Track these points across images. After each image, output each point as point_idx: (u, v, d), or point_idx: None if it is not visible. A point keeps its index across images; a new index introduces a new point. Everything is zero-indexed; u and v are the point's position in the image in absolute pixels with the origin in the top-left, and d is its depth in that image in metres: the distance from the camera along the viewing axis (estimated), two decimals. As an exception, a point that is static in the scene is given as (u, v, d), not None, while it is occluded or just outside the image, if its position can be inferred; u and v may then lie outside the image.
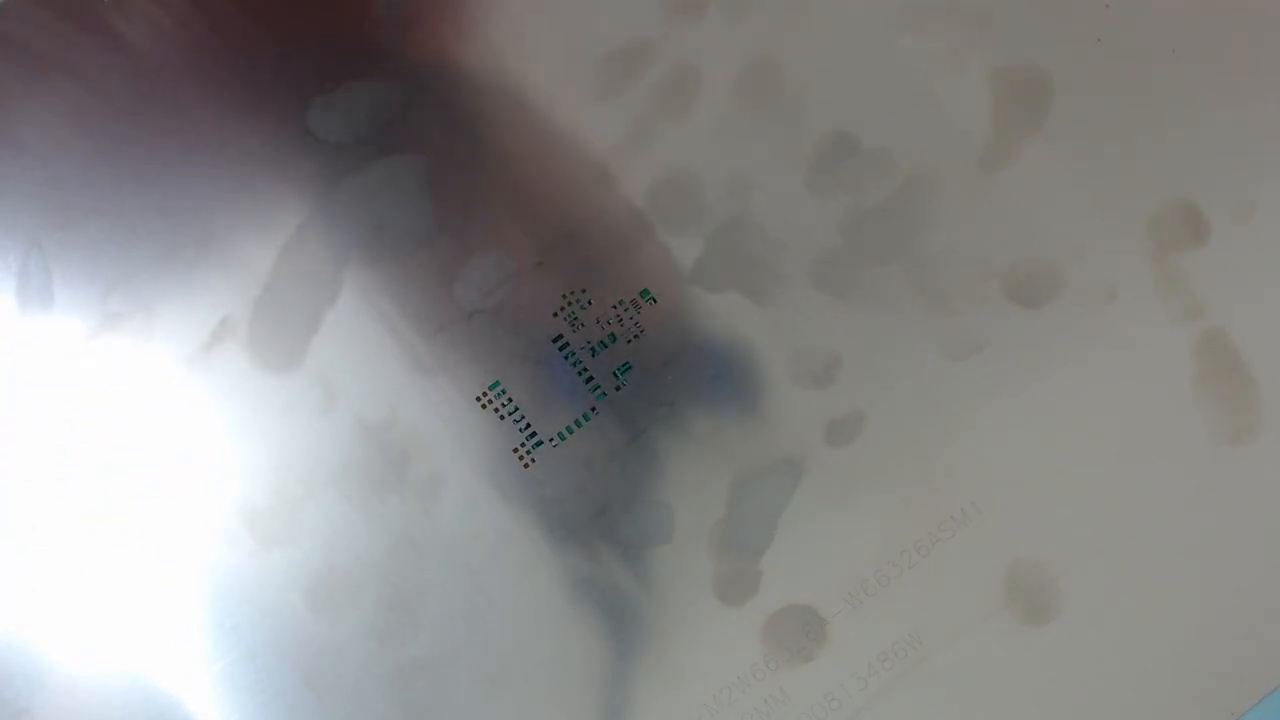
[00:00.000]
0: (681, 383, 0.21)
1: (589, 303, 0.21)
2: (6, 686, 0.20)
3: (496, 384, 0.21)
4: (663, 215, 0.21)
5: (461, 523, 0.21)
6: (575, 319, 0.21)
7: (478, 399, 0.21)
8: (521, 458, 0.21)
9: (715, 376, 0.21)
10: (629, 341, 0.21)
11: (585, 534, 0.21)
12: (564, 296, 0.21)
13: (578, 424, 0.21)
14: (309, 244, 0.21)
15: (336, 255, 0.21)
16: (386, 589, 0.21)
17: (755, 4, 0.22)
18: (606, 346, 0.21)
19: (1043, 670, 0.22)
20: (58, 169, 0.21)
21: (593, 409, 0.21)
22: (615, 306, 0.21)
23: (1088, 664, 0.22)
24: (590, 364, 0.21)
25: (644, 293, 0.21)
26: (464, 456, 0.21)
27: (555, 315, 0.21)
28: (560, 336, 0.21)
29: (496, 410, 0.21)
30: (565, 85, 0.21)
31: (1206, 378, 0.22)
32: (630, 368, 0.21)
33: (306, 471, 0.21)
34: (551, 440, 0.21)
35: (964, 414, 0.22)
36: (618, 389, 0.21)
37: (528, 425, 0.21)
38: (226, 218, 0.21)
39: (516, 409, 0.21)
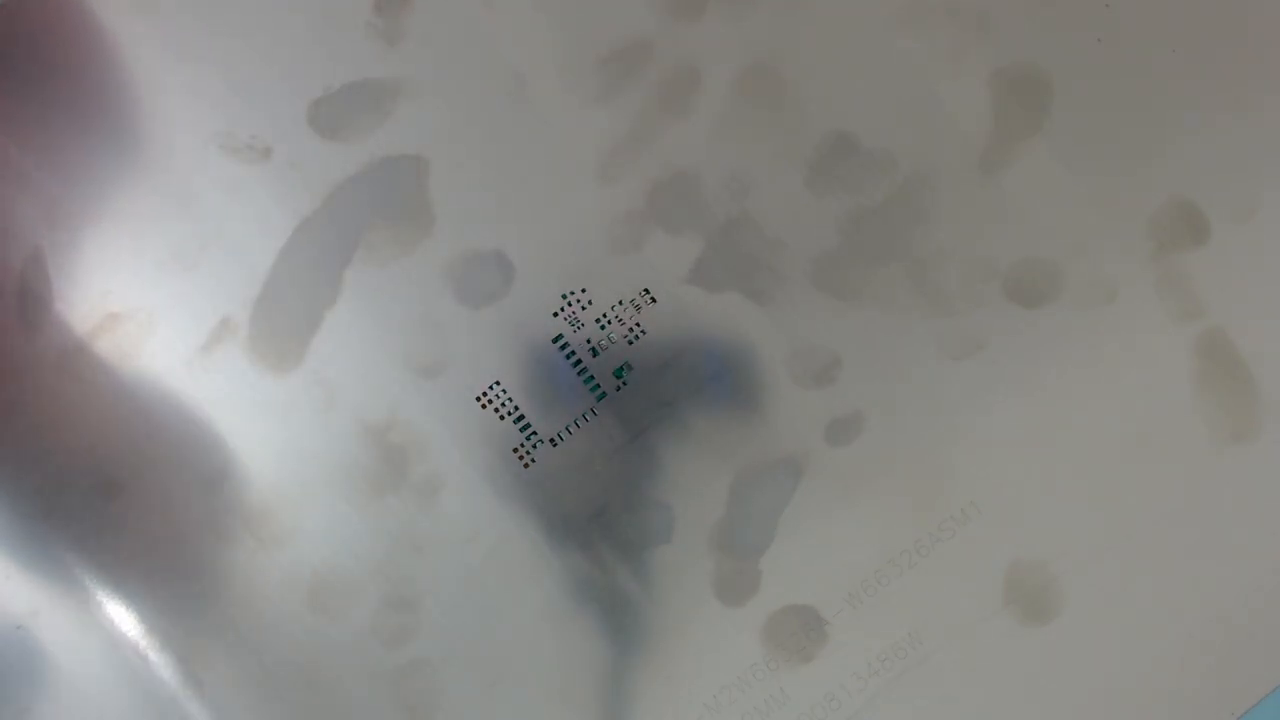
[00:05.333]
0: (681, 383, 0.21)
1: (589, 303, 0.21)
2: (6, 685, 0.20)
3: (496, 384, 0.21)
4: (663, 215, 0.21)
5: (461, 523, 0.21)
6: (575, 319, 0.21)
7: (478, 399, 0.21)
8: (521, 458, 0.21)
9: (715, 376, 0.21)
10: (629, 341, 0.21)
11: (585, 534, 0.21)
12: (564, 296, 0.21)
13: (578, 424, 0.21)
14: (309, 244, 0.21)
15: (336, 255, 0.21)
16: (386, 589, 0.21)
17: (755, 4, 0.22)
18: (606, 347, 0.21)
19: (1043, 670, 0.22)
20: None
21: (593, 409, 0.21)
22: (615, 306, 0.21)
23: (1088, 664, 0.22)
24: (590, 364, 0.21)
25: (644, 292, 0.21)
26: (464, 456, 0.21)
27: (555, 315, 0.21)
28: (560, 336, 0.21)
29: (496, 410, 0.21)
30: (565, 85, 0.21)
31: (1206, 378, 0.22)
32: (630, 368, 0.21)
33: (306, 471, 0.21)
34: (551, 440, 0.21)
35: (964, 414, 0.22)
36: (618, 389, 0.21)
37: (528, 425, 0.21)
38: (226, 218, 0.21)
39: (516, 409, 0.21)
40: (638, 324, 0.21)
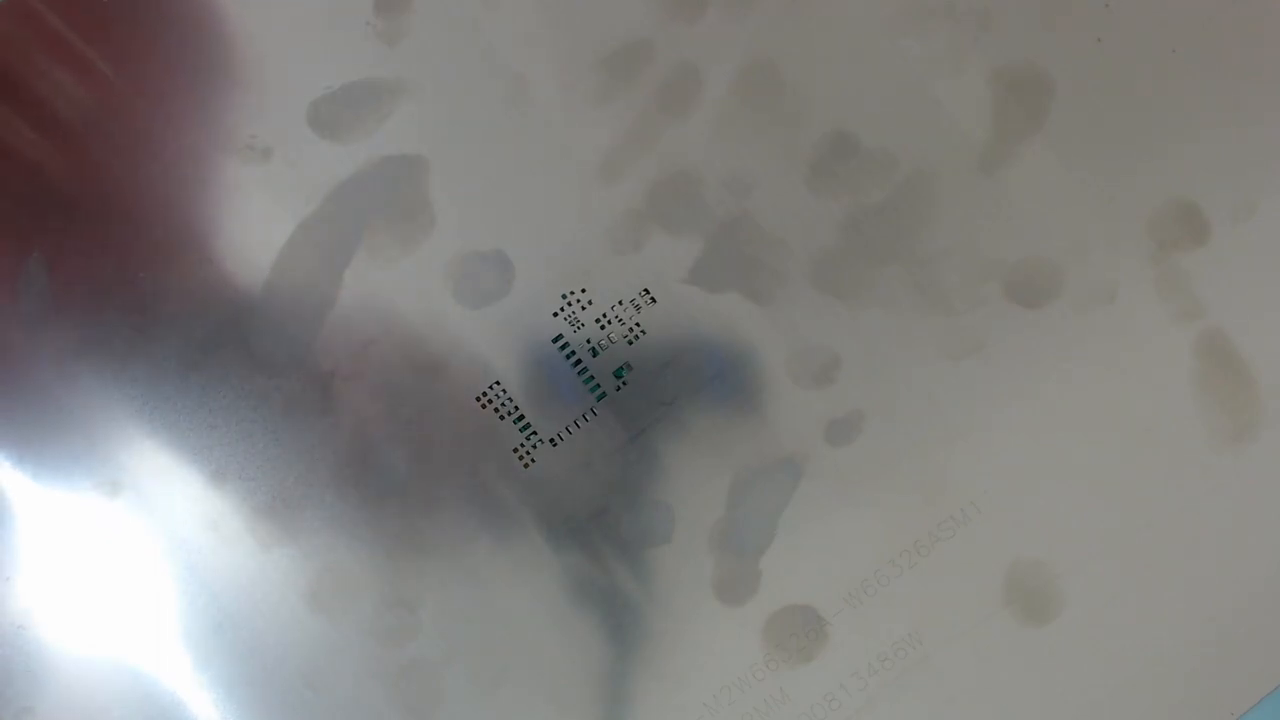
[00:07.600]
0: (681, 383, 0.21)
1: (589, 303, 0.21)
2: (8, 685, 0.20)
3: (496, 384, 0.21)
4: (663, 215, 0.21)
5: (461, 523, 0.21)
6: (575, 319, 0.21)
7: (478, 399, 0.21)
8: (521, 458, 0.21)
9: (715, 376, 0.21)
10: (629, 341, 0.21)
11: (585, 534, 0.21)
12: (564, 296, 0.21)
13: (578, 424, 0.21)
14: (309, 244, 0.21)
15: (336, 255, 0.21)
16: (386, 589, 0.21)
17: (755, 4, 0.22)
18: (606, 347, 0.21)
19: (1043, 670, 0.22)
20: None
21: (593, 409, 0.21)
22: (615, 306, 0.21)
23: (1088, 664, 0.22)
24: (590, 364, 0.21)
25: (644, 292, 0.21)
26: (464, 456, 0.21)
27: (555, 315, 0.21)
28: (560, 336, 0.21)
29: (496, 410, 0.21)
30: (565, 85, 0.21)
31: (1206, 378, 0.22)
32: (630, 368, 0.21)
33: (306, 471, 0.21)
34: (551, 440, 0.21)
35: (964, 414, 0.22)
36: (618, 389, 0.21)
37: (528, 425, 0.21)
38: (226, 217, 0.21)
39: (516, 409, 0.21)
40: (638, 324, 0.21)
